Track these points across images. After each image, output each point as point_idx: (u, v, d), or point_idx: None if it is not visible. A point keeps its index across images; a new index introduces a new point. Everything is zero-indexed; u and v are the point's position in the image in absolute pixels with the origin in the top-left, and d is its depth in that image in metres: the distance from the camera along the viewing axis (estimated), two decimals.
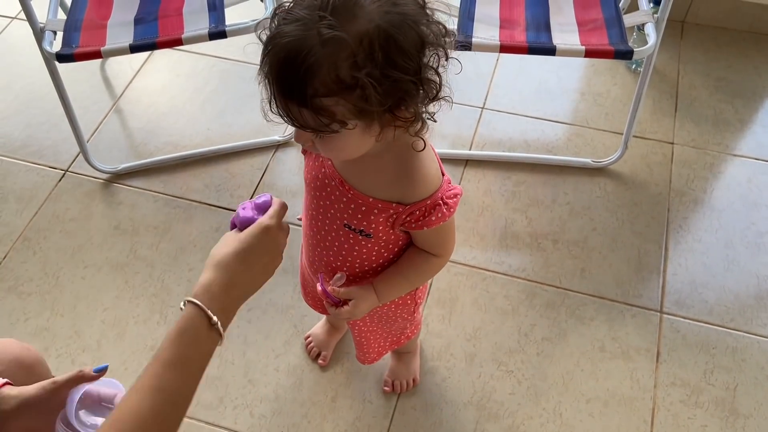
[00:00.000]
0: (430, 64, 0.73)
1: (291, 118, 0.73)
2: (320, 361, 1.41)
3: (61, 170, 1.76)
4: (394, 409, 1.35)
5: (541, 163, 1.73)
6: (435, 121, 0.79)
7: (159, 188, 1.71)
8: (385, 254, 0.96)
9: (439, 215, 0.86)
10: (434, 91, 0.75)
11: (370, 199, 0.87)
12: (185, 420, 1.32)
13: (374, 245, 0.93)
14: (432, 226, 0.87)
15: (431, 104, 0.77)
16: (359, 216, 0.89)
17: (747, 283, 1.51)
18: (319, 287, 0.95)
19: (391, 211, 0.87)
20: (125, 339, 1.46)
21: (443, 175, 0.88)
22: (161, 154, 1.77)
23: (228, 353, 1.43)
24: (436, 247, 0.94)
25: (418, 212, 0.86)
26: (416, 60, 0.71)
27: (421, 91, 0.74)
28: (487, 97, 1.89)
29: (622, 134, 1.70)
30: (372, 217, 0.88)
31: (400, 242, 0.95)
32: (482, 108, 1.86)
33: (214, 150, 1.77)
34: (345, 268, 0.98)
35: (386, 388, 1.36)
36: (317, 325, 1.44)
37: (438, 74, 0.74)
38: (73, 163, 1.77)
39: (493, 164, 1.73)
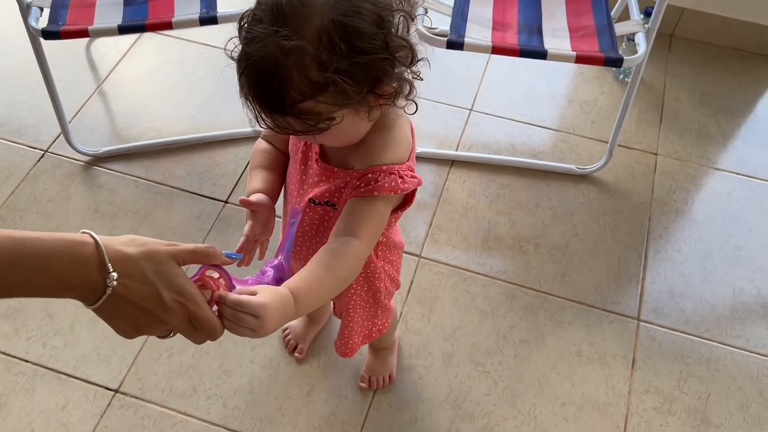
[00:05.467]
0: (398, 30, 0.74)
1: (280, 127, 0.76)
2: (297, 354, 1.39)
3: (41, 150, 1.72)
4: (369, 405, 1.35)
5: (526, 168, 1.74)
6: (421, 79, 0.79)
7: (141, 173, 1.68)
8: None
9: (392, 183, 0.82)
10: (409, 57, 0.75)
11: (335, 169, 0.87)
12: (156, 408, 1.31)
13: (338, 213, 0.91)
14: (382, 192, 0.81)
15: (411, 68, 0.77)
16: (324, 187, 0.89)
17: (723, 295, 1.53)
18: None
19: (349, 179, 0.86)
20: (99, 324, 1.41)
21: (408, 161, 0.87)
22: (144, 139, 1.75)
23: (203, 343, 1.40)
24: (360, 224, 0.82)
25: (370, 175, 0.83)
26: (380, 36, 0.72)
27: (396, 63, 0.74)
28: (475, 99, 1.89)
29: (607, 143, 1.72)
30: (333, 187, 0.88)
31: None
32: (470, 110, 1.87)
33: (198, 138, 1.75)
34: (316, 241, 0.97)
35: (363, 384, 1.36)
36: (295, 319, 1.42)
37: (407, 40, 0.75)
38: (53, 143, 1.73)
39: (479, 166, 1.74)
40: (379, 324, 1.19)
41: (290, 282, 0.74)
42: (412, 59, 0.76)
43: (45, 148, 1.72)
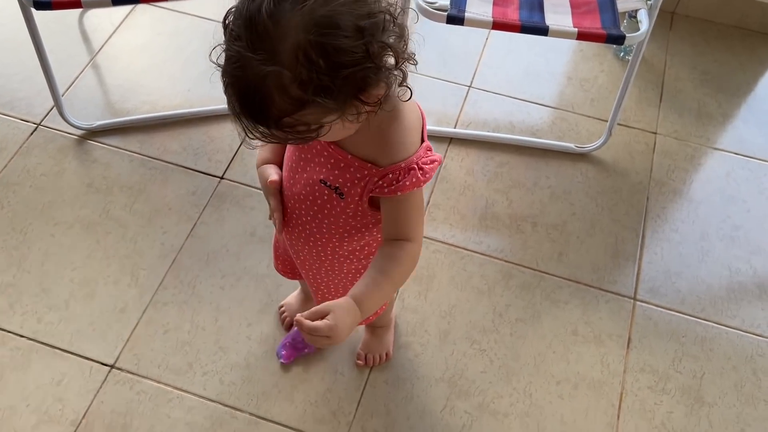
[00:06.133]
0: (383, 30, 0.71)
1: (269, 139, 0.75)
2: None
3: (34, 124, 1.70)
4: (365, 382, 1.35)
5: (524, 146, 1.72)
6: (415, 62, 0.77)
7: (135, 148, 1.66)
8: (352, 222, 0.94)
9: (414, 180, 0.84)
10: (395, 60, 0.73)
11: (349, 156, 0.86)
12: (152, 384, 1.31)
13: (345, 207, 0.91)
14: (405, 191, 0.84)
15: (400, 67, 0.75)
16: (336, 172, 0.88)
17: (719, 275, 1.53)
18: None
19: (366, 172, 0.86)
20: (95, 300, 1.42)
21: (424, 141, 0.86)
22: (139, 113, 1.72)
23: (199, 319, 1.40)
24: (406, 226, 0.88)
25: (391, 175, 0.84)
26: (360, 47, 0.69)
27: (381, 68, 0.72)
28: (474, 76, 1.87)
29: (606, 121, 1.71)
30: (348, 175, 0.87)
31: (369, 216, 0.94)
32: (469, 86, 1.85)
33: (193, 112, 1.73)
34: (314, 225, 0.96)
35: (359, 362, 1.36)
36: (291, 294, 1.42)
37: (391, 44, 0.72)
38: (46, 117, 1.71)
39: (477, 144, 1.72)
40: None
41: (354, 290, 0.84)
42: (398, 61, 0.73)
43: (38, 122, 1.70)
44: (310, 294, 1.39)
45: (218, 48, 0.73)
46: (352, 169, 0.86)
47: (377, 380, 1.35)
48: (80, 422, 1.27)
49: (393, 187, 0.84)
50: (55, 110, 1.67)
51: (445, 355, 1.39)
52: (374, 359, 1.36)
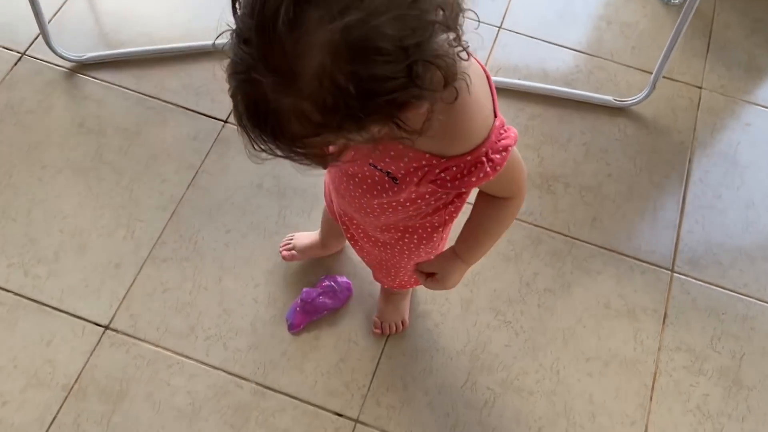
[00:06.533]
0: (431, 41, 0.53)
1: (279, 155, 0.58)
2: (284, 253, 1.29)
3: (18, 53, 1.53)
4: (381, 352, 1.25)
5: (558, 96, 1.57)
6: (467, 58, 0.59)
7: (131, 84, 1.51)
8: (412, 200, 0.81)
9: (481, 175, 0.70)
10: (444, 79, 0.55)
11: (400, 146, 0.70)
12: (151, 348, 1.21)
13: (399, 192, 0.78)
14: (471, 186, 0.72)
15: (451, 82, 0.57)
16: (387, 159, 0.74)
17: (765, 247, 1.42)
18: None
19: (424, 163, 0.71)
20: (87, 253, 1.30)
21: (496, 115, 0.70)
22: (135, 46, 1.56)
23: (201, 278, 1.29)
24: (507, 189, 0.80)
25: (455, 168, 0.70)
26: (403, 71, 0.52)
27: (425, 90, 0.54)
28: (505, 15, 1.70)
29: (647, 72, 1.56)
30: (401, 164, 0.73)
31: (429, 196, 0.81)
32: (499, 27, 1.68)
33: (196, 46, 1.56)
34: (363, 201, 0.84)
35: (376, 330, 1.25)
36: (307, 233, 1.31)
37: (440, 61, 0.54)
38: (31, 46, 1.54)
39: (507, 93, 1.57)
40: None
41: (459, 248, 0.90)
42: (448, 79, 0.56)
43: (22, 51, 1.53)
44: (325, 244, 1.28)
45: (225, 26, 0.56)
46: (406, 159, 0.72)
47: (394, 351, 1.25)
48: (72, 387, 1.18)
49: (457, 183, 0.71)
50: (41, 39, 1.50)
51: (467, 326, 1.29)
52: (390, 328, 1.26)
